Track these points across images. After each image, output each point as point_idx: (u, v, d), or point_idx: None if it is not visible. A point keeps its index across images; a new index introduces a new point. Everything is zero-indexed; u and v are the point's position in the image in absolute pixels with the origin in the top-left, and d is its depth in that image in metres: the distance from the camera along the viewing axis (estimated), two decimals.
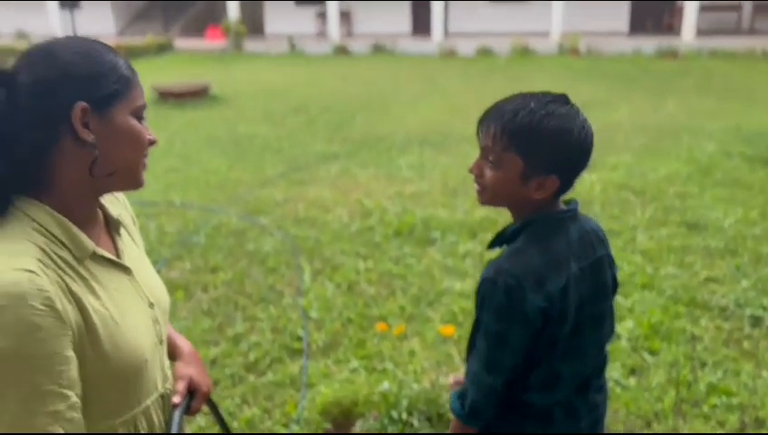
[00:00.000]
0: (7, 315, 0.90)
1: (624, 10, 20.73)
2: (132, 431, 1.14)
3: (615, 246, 3.57)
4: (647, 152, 7.00)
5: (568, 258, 1.31)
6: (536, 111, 1.24)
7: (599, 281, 1.37)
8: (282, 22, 23.43)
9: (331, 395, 2.82)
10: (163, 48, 20.69)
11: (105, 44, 1.07)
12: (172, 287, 4.02)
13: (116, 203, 1.24)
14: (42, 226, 1.00)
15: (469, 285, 3.88)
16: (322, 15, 22.44)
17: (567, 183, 1.32)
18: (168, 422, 1.22)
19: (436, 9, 20.41)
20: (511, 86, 12.05)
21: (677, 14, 19.75)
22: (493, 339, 1.31)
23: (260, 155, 7.49)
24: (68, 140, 1.00)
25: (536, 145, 1.25)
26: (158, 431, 1.19)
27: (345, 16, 22.39)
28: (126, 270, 1.14)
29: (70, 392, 0.97)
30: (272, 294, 3.93)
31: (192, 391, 1.31)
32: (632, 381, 2.95)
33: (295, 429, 2.72)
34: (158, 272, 4.50)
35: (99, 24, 24.29)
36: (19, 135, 0.97)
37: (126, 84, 1.04)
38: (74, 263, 1.03)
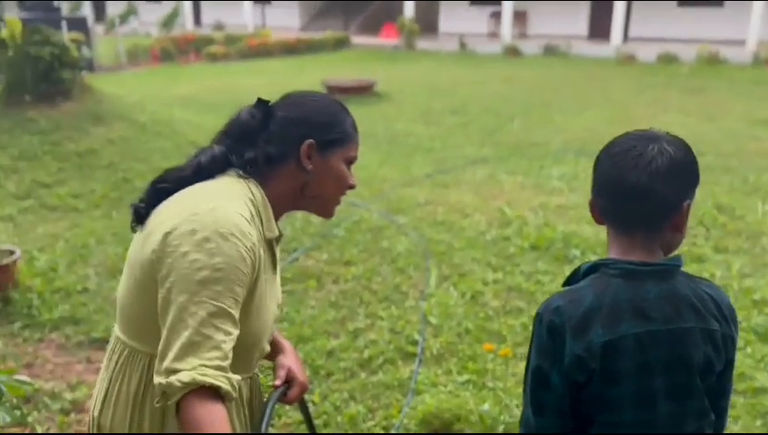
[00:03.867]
0: (230, 243, 1.15)
1: None
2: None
3: None
4: None
5: (626, 314, 1.18)
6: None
7: (678, 352, 1.20)
8: (455, 21, 23.52)
9: (434, 406, 2.79)
10: (340, 44, 21.71)
11: (343, 105, 1.39)
12: (306, 275, 4.21)
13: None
14: (254, 200, 1.29)
15: None
16: (496, 15, 22.20)
17: (613, 218, 1.24)
18: (268, 400, 1.38)
19: (618, 11, 19.33)
20: (691, 98, 11.10)
21: None
22: (535, 378, 1.23)
23: (411, 154, 7.59)
24: (293, 162, 1.32)
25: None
26: (242, 404, 1.37)
27: (520, 16, 21.95)
28: (275, 270, 1.38)
29: (238, 324, 1.17)
30: (396, 294, 3.97)
31: (289, 381, 1.44)
32: None
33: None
34: (297, 260, 4.62)
35: (285, 20, 26.04)
36: (261, 146, 1.31)
37: (347, 137, 1.36)
38: (261, 238, 1.27)
